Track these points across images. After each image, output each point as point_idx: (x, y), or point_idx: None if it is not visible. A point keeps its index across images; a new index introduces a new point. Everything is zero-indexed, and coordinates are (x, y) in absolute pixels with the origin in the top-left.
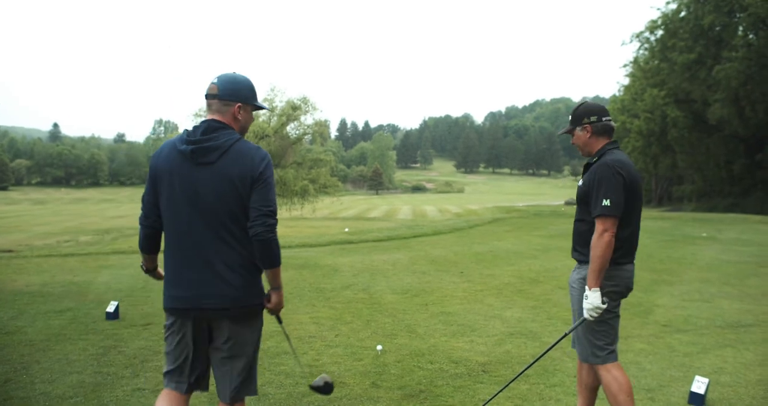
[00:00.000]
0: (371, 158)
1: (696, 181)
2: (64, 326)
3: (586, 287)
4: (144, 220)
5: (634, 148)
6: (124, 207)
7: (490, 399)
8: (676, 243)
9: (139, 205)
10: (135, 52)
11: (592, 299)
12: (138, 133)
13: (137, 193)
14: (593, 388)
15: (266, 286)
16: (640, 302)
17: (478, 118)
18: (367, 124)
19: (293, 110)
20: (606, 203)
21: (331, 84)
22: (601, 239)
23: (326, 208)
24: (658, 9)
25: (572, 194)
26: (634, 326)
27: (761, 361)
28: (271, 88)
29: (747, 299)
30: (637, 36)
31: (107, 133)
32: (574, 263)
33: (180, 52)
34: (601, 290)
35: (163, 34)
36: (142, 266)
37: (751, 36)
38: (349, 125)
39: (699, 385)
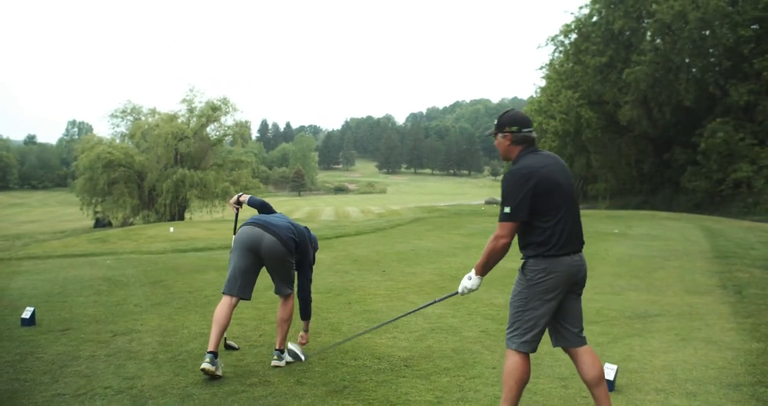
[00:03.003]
0: (293, 160)
1: (609, 180)
2: None
3: (473, 270)
4: None
5: (550, 148)
6: (35, 212)
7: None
8: (590, 239)
9: (54, 208)
10: (45, 50)
11: (474, 282)
12: (50, 134)
13: (49, 197)
14: (597, 381)
15: None
16: None
17: (400, 119)
18: (288, 125)
19: (213, 111)
20: (506, 210)
21: (252, 85)
22: (496, 242)
23: (248, 210)
24: (572, 13)
25: (492, 194)
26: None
27: (665, 348)
28: (190, 89)
29: (653, 291)
30: (552, 39)
31: (16, 135)
32: None
33: (93, 50)
34: (537, 281)
35: (75, 31)
36: None
37: (657, 40)
38: (270, 126)
39: (608, 371)
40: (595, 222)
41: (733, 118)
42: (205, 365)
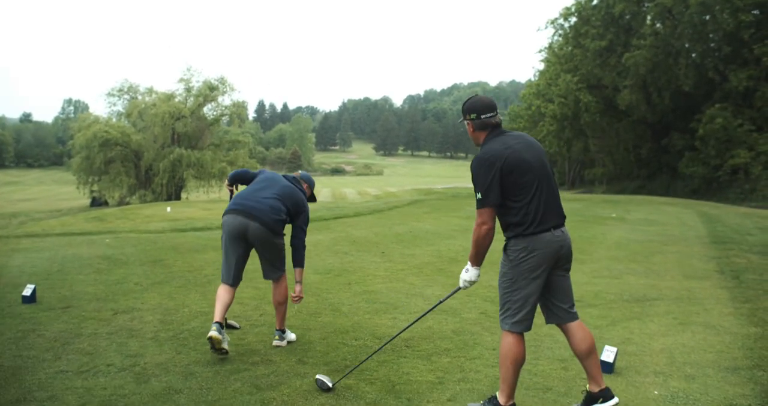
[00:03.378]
0: (290, 140)
1: (606, 165)
2: None
3: (468, 262)
4: None
5: (548, 132)
6: (31, 190)
7: (357, 366)
8: (588, 224)
9: (49, 187)
10: (41, 28)
11: (472, 274)
12: (46, 113)
13: (45, 175)
14: (587, 353)
15: None
16: None
17: (397, 101)
18: (285, 106)
19: (210, 91)
20: (478, 196)
21: (249, 65)
22: (479, 229)
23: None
24: None
25: None
26: None
27: (664, 332)
28: (188, 68)
29: (652, 275)
30: (552, 23)
31: (12, 113)
32: (492, 243)
33: (89, 28)
34: (520, 261)
35: (71, 9)
36: None
37: (658, 25)
38: (267, 107)
39: (608, 354)
40: (592, 206)
41: (732, 104)
42: (213, 333)
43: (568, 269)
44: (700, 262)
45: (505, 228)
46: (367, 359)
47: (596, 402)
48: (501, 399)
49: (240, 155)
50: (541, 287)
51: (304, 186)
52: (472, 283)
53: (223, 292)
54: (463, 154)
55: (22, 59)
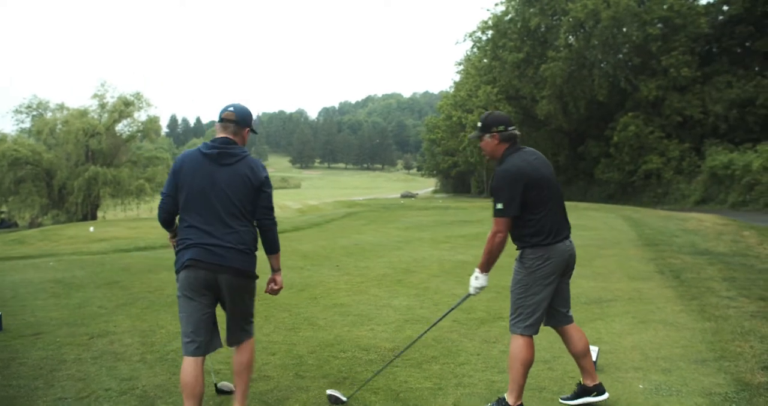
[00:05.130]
0: None
1: None
2: None
3: (477, 269)
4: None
5: (469, 141)
6: None
7: (373, 376)
8: None
9: None
10: None
11: (482, 281)
12: None
13: None
14: (583, 353)
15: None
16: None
17: (312, 113)
18: (198, 120)
19: (126, 106)
20: (499, 206)
21: (160, 79)
22: (494, 237)
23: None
24: (489, 10)
25: (407, 187)
26: None
27: (629, 330)
28: (102, 84)
29: (599, 278)
30: (470, 35)
31: None
32: (439, 253)
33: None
34: (535, 268)
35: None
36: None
37: (571, 38)
38: (180, 121)
39: (591, 353)
40: None
41: (643, 113)
42: None
43: (570, 277)
44: (640, 264)
45: (519, 238)
46: (381, 370)
47: (590, 395)
48: (510, 400)
49: (158, 172)
50: (552, 293)
51: (245, 133)
52: (482, 289)
53: (189, 377)
54: (379, 166)
55: None
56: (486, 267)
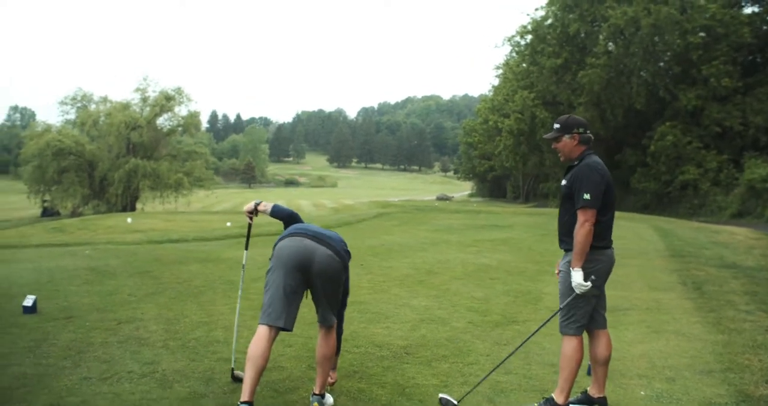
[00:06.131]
0: (243, 151)
1: (560, 179)
2: None
3: (571, 268)
4: None
5: (505, 146)
6: None
7: (480, 382)
8: (551, 237)
9: None
10: None
11: (576, 277)
12: None
13: None
14: (604, 361)
15: None
16: (529, 291)
17: (351, 113)
18: (239, 116)
19: (167, 101)
20: (586, 196)
21: (201, 74)
22: (583, 227)
23: (199, 201)
24: (528, 15)
25: (443, 190)
26: (528, 312)
27: (640, 339)
28: (144, 78)
29: (619, 287)
30: (509, 40)
31: None
32: (464, 256)
33: (38, 36)
34: (586, 271)
35: (18, 14)
36: None
37: (611, 44)
38: (220, 117)
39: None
40: (551, 220)
41: (681, 123)
42: None
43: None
44: (663, 274)
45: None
46: (486, 377)
47: (591, 405)
48: (560, 399)
49: (196, 166)
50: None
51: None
52: (583, 286)
53: (257, 348)
54: (416, 167)
55: None
56: (578, 262)
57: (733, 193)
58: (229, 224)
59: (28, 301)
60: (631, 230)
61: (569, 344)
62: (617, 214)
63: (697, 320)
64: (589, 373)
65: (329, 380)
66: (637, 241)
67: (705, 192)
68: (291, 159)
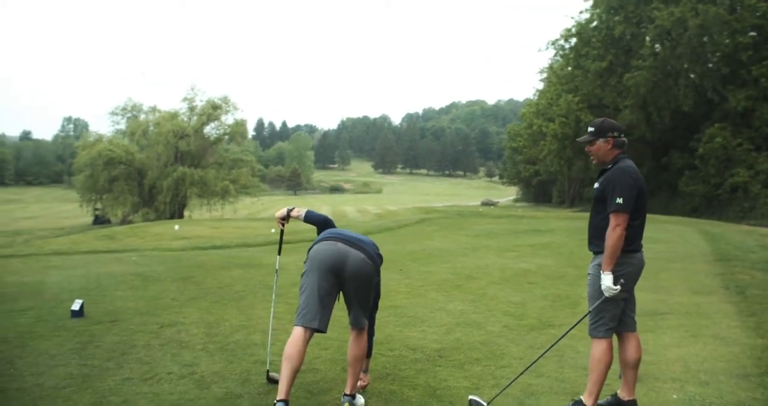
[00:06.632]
0: (289, 158)
1: None
2: (33, 324)
3: (601, 272)
4: None
5: (549, 151)
6: (31, 208)
7: (509, 384)
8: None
9: (50, 205)
10: (41, 45)
11: (606, 281)
12: (45, 130)
13: (45, 193)
14: (633, 364)
15: None
16: (568, 295)
17: (396, 119)
18: (284, 124)
19: (214, 110)
20: (619, 200)
21: (247, 83)
22: (615, 231)
23: (245, 208)
24: (572, 18)
25: (487, 195)
26: (565, 316)
27: (677, 343)
28: (192, 87)
29: (661, 291)
30: (553, 44)
31: (12, 131)
32: (503, 261)
33: (89, 47)
34: (616, 275)
35: (72, 27)
36: None
37: (657, 46)
38: (266, 125)
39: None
40: None
41: (731, 124)
42: None
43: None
44: (706, 278)
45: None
46: (515, 379)
47: None
48: (589, 402)
49: (242, 174)
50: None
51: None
52: (613, 289)
53: (293, 348)
54: (461, 173)
55: (22, 77)
56: (609, 265)
57: None
58: (273, 230)
59: (76, 305)
60: (677, 234)
61: (598, 347)
62: (665, 218)
63: (737, 324)
64: (621, 376)
65: (361, 382)
66: (683, 245)
67: (756, 195)
68: (336, 166)
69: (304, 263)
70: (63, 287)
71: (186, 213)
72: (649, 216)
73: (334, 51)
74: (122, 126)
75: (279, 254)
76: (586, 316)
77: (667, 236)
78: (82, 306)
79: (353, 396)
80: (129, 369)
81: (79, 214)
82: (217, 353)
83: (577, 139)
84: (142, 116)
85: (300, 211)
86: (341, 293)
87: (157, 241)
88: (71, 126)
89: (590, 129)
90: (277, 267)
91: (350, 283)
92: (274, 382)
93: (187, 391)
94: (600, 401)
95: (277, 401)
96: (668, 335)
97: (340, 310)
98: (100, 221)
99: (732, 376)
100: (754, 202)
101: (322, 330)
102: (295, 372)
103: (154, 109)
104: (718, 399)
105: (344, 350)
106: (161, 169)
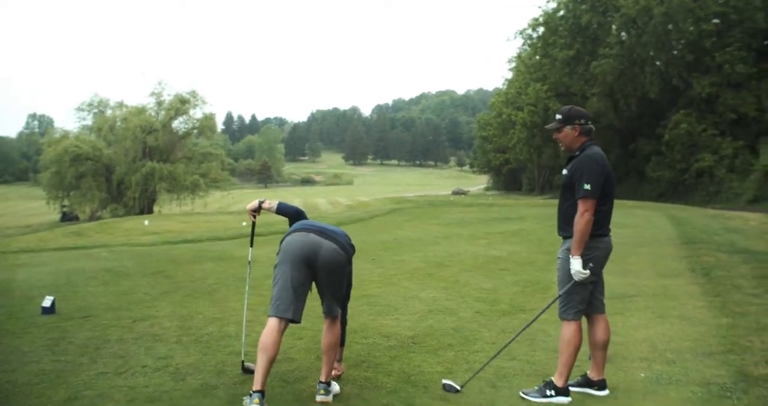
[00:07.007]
0: (259, 152)
1: None
2: (3, 322)
3: (570, 256)
4: None
5: (519, 139)
6: None
7: (482, 367)
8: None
9: (15, 203)
10: (2, 41)
11: (575, 265)
12: (9, 128)
13: (10, 191)
14: (602, 345)
15: None
16: (538, 281)
17: (366, 110)
18: (254, 117)
19: (182, 104)
20: (587, 187)
21: (215, 76)
22: (583, 217)
23: (216, 202)
24: (540, 7)
25: (458, 184)
26: (536, 301)
27: (645, 324)
28: (159, 82)
29: (629, 275)
30: (521, 33)
31: None
32: (475, 249)
33: (55, 42)
34: (584, 259)
35: (32, 21)
36: None
37: (623, 34)
38: (235, 118)
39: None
40: None
41: (696, 110)
42: None
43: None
44: (673, 261)
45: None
46: (488, 362)
47: (591, 388)
48: (560, 382)
49: (212, 168)
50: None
51: None
52: (582, 273)
53: (268, 338)
54: (432, 163)
55: None
56: (578, 250)
57: (749, 179)
58: (244, 223)
59: (47, 302)
60: (645, 219)
61: (568, 329)
62: (632, 203)
63: (703, 305)
64: (590, 357)
65: (335, 371)
66: (650, 229)
67: (721, 179)
68: (306, 158)
69: (277, 254)
70: (32, 284)
71: (155, 208)
72: (617, 202)
73: (302, 43)
74: (89, 122)
75: (251, 246)
76: (556, 300)
77: (635, 220)
78: (53, 303)
79: (328, 383)
80: (103, 364)
81: (46, 211)
82: (191, 345)
83: (545, 127)
84: (109, 112)
85: (272, 203)
86: (314, 283)
87: (126, 236)
88: (36, 123)
89: (558, 116)
90: (249, 259)
91: (323, 273)
92: (249, 372)
93: (162, 383)
94: (570, 382)
95: (253, 391)
96: (636, 316)
97: (312, 300)
98: (67, 217)
99: (697, 354)
100: (719, 186)
101: (296, 320)
102: (271, 362)
103: (121, 105)
104: (684, 377)
105: (318, 340)
106: (129, 165)
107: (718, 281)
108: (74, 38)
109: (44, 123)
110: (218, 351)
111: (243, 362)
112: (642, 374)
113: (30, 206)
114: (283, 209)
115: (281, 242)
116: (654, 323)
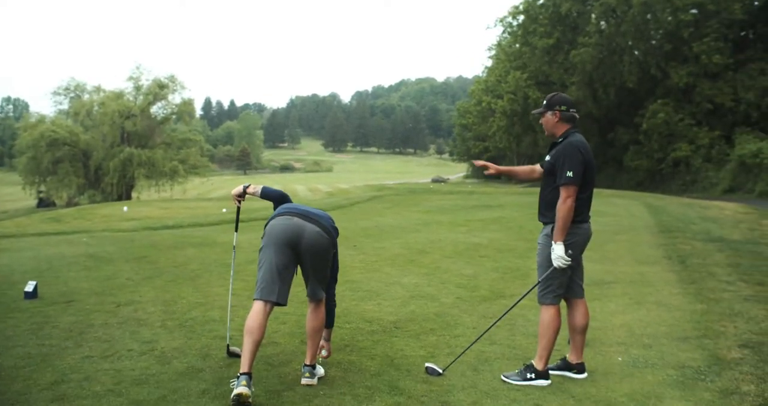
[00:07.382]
0: (238, 138)
1: None
2: None
3: (552, 242)
4: None
5: (498, 127)
6: None
7: (464, 351)
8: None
9: None
10: None
11: (558, 251)
12: None
13: None
14: (581, 329)
15: None
16: (518, 267)
17: (345, 97)
18: (232, 103)
19: (160, 89)
20: (569, 174)
21: (194, 61)
22: (565, 203)
23: (195, 188)
24: None
25: (438, 172)
26: (516, 287)
27: (622, 310)
28: (137, 66)
29: (607, 262)
30: (501, 21)
31: None
32: (455, 236)
33: (34, 24)
34: (565, 244)
35: (6, 4)
36: None
37: (602, 23)
38: (214, 104)
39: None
40: None
41: (673, 100)
42: (242, 389)
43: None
44: (650, 249)
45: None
46: (469, 347)
47: (570, 371)
48: (539, 365)
49: (191, 154)
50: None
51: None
52: (563, 259)
53: (254, 321)
54: (411, 150)
55: None
56: (560, 236)
57: (724, 168)
58: (225, 209)
59: (29, 286)
60: (623, 207)
61: (547, 313)
62: (611, 192)
63: (679, 291)
64: (569, 341)
65: (324, 353)
66: (628, 217)
67: (697, 169)
68: (286, 145)
69: (262, 238)
70: (14, 268)
71: (134, 194)
72: (595, 190)
73: (282, 28)
74: (65, 106)
75: (236, 231)
76: (535, 286)
77: (613, 209)
78: (35, 287)
79: (313, 366)
80: (88, 348)
81: (22, 197)
82: (176, 329)
83: (532, 112)
84: (86, 96)
85: (256, 188)
86: (299, 266)
87: (106, 222)
88: (10, 107)
89: (543, 102)
90: (234, 244)
91: (306, 256)
92: (234, 356)
93: (148, 366)
94: (550, 365)
95: (241, 374)
96: (614, 302)
97: (296, 286)
98: (44, 203)
99: (673, 339)
100: (696, 175)
101: (281, 303)
102: (257, 345)
103: (98, 89)
104: (660, 360)
105: (302, 324)
106: (107, 150)
107: (694, 269)
108: (50, 20)
109: (19, 107)
110: (203, 335)
111: (228, 346)
112: (619, 358)
113: (5, 191)
114: (267, 193)
115: (265, 225)
116: (631, 309)
